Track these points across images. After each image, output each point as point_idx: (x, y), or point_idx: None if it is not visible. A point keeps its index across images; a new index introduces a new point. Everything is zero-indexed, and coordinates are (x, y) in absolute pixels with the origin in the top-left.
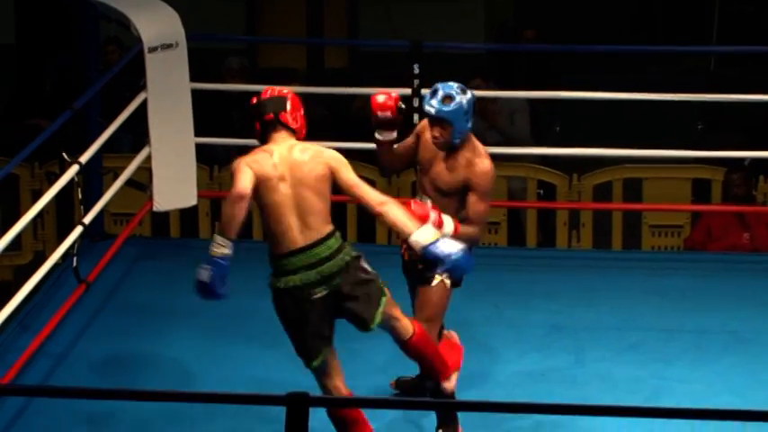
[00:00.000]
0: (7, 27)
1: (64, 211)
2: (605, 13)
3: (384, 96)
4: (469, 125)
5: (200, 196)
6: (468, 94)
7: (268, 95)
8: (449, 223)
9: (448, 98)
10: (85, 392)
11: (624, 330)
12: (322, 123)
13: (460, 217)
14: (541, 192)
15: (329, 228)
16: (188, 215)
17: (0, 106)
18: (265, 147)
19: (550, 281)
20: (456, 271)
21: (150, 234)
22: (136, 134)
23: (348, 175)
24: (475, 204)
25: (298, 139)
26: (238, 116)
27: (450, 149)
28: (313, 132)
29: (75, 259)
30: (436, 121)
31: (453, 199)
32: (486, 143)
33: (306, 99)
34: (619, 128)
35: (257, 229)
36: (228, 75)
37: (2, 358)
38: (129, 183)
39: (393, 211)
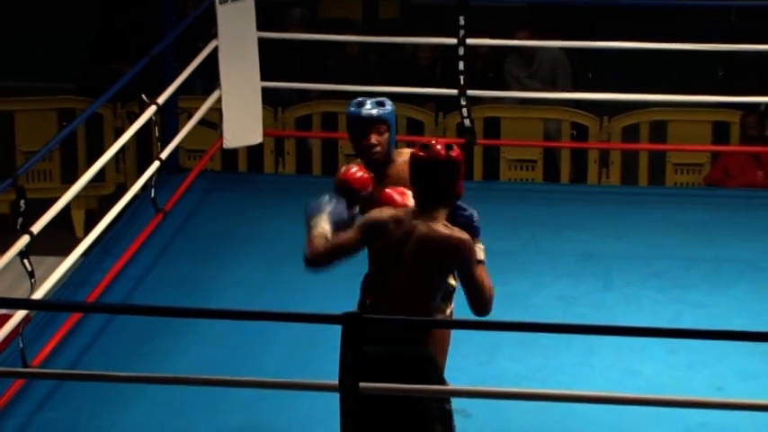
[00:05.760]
0: None
1: (143, 147)
2: None
3: (357, 169)
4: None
5: (265, 135)
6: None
7: None
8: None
9: (380, 104)
10: (163, 311)
11: (649, 259)
12: (375, 69)
13: None
14: (575, 132)
15: None
16: (254, 152)
17: (86, 52)
18: None
19: (582, 213)
20: None
21: (220, 168)
22: (207, 78)
23: None
24: None
25: None
26: (300, 62)
27: (386, 163)
28: (367, 77)
29: (152, 191)
30: (377, 122)
31: None
32: (527, 90)
33: (361, 47)
34: (647, 75)
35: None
36: (291, 24)
37: (87, 279)
38: (201, 122)
39: None
